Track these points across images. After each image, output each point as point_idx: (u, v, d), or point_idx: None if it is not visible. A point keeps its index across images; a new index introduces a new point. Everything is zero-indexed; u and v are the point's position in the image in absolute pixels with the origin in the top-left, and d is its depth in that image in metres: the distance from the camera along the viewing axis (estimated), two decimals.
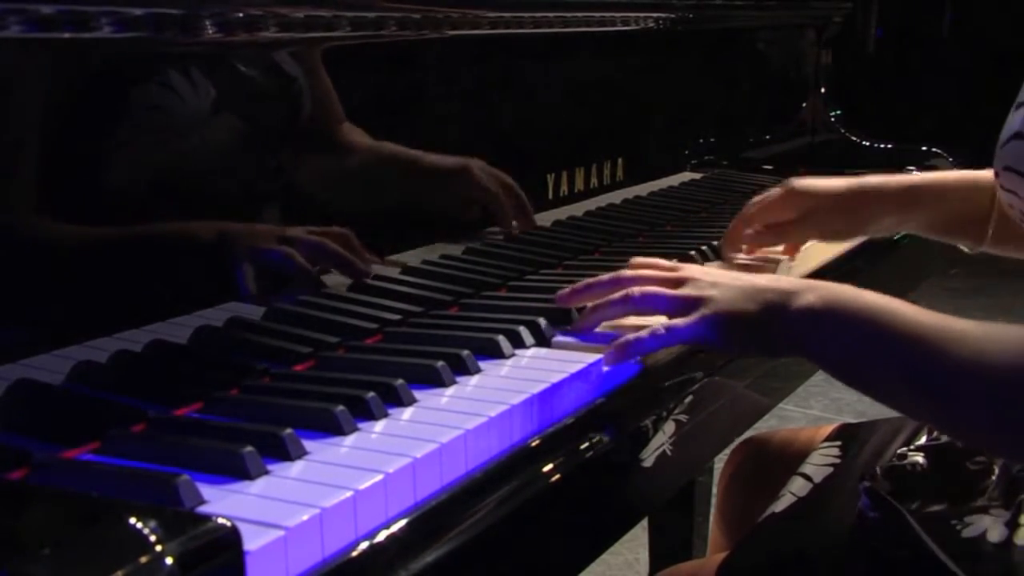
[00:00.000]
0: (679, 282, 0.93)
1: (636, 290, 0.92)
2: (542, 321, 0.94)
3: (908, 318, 0.82)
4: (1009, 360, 0.76)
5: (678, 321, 0.89)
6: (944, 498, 0.95)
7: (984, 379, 0.77)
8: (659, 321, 0.91)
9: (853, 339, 0.84)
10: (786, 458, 1.19)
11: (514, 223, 1.24)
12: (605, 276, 0.96)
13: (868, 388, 0.86)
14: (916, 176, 1.23)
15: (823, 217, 1.20)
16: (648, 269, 0.97)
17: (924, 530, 0.90)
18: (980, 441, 0.85)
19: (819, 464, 1.11)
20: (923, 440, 1.04)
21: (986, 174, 1.15)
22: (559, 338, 0.93)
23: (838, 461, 1.10)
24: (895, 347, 0.81)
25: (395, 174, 1.10)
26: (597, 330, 0.95)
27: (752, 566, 1.01)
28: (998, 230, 1.18)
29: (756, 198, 1.22)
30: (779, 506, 1.06)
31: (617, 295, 0.93)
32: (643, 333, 0.89)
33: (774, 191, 1.21)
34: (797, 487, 1.08)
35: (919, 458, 0.99)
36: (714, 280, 0.92)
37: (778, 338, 0.88)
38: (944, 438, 1.01)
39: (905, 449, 1.03)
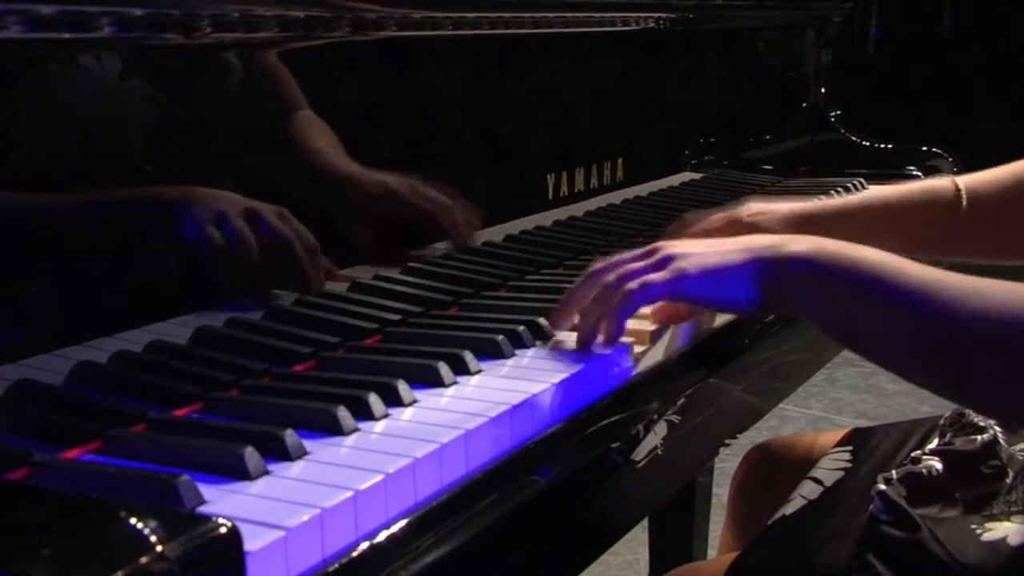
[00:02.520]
0: (653, 252, 0.90)
1: (611, 277, 0.89)
2: (542, 321, 0.94)
3: (914, 272, 0.80)
4: (1016, 315, 0.74)
5: (653, 276, 0.87)
6: (959, 504, 0.95)
7: (1004, 333, 0.74)
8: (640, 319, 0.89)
9: (852, 291, 0.82)
10: (797, 463, 1.19)
11: (463, 238, 1.18)
12: (578, 281, 0.93)
13: (862, 344, 0.84)
14: (871, 193, 1.15)
15: None
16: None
17: (942, 534, 0.89)
18: (990, 400, 0.81)
19: (830, 468, 1.10)
20: (935, 444, 1.04)
21: (943, 182, 1.14)
22: (559, 337, 0.93)
23: (849, 465, 1.10)
24: (901, 300, 0.79)
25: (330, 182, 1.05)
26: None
27: (763, 568, 1.00)
28: (960, 241, 1.14)
29: (697, 225, 1.13)
30: (789, 509, 1.06)
31: (595, 293, 0.90)
32: (618, 299, 0.87)
33: (715, 218, 1.13)
34: (808, 490, 1.07)
35: (935, 462, 0.98)
36: (688, 244, 0.90)
37: (764, 289, 0.86)
38: (957, 442, 1.01)
39: (919, 453, 1.02)
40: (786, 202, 1.15)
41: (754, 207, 1.14)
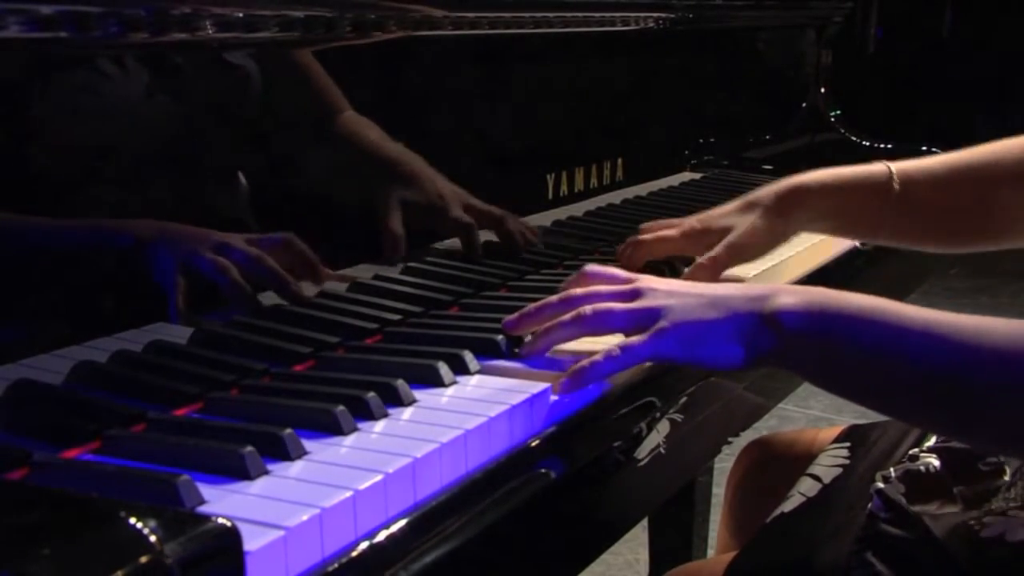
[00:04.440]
0: (634, 295, 0.86)
1: (588, 309, 0.85)
2: None
3: (915, 317, 0.77)
4: (1015, 356, 0.73)
5: (634, 340, 0.82)
6: (958, 501, 0.95)
7: (1014, 374, 0.73)
8: (615, 340, 0.85)
9: (851, 345, 0.78)
10: (794, 459, 1.19)
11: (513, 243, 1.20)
12: (554, 297, 0.89)
13: (865, 396, 0.82)
14: (807, 176, 1.14)
15: (743, 245, 1.10)
16: (600, 281, 0.90)
17: (939, 531, 0.89)
18: (1002, 440, 0.80)
19: (828, 465, 1.10)
20: (933, 441, 1.04)
21: (878, 166, 1.14)
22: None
23: (847, 462, 1.10)
24: (906, 349, 0.76)
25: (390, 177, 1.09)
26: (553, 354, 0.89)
27: (761, 566, 1.00)
28: (890, 225, 1.13)
29: (651, 236, 1.13)
30: (788, 506, 1.06)
31: (568, 316, 0.85)
32: (598, 356, 0.82)
33: (671, 231, 1.13)
34: (806, 487, 1.08)
35: (932, 460, 0.98)
36: (671, 290, 0.85)
37: (749, 348, 0.81)
38: (953, 440, 1.01)
39: (917, 450, 1.02)
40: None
41: (703, 214, 1.15)
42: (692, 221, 1.14)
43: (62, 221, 0.81)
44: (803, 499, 1.06)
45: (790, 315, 0.80)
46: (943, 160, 1.12)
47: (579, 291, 0.88)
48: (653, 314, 0.83)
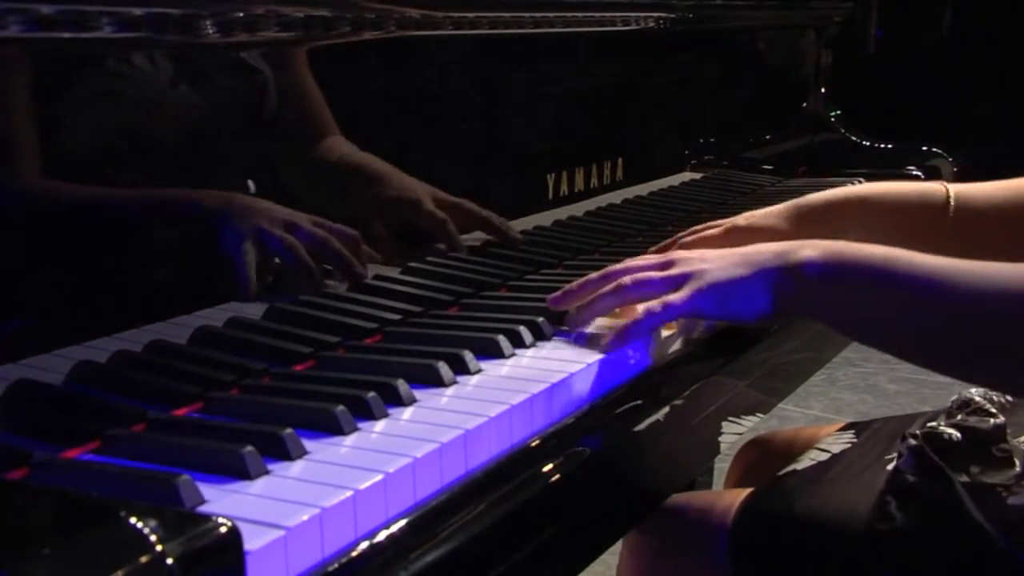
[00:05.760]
0: (669, 264, 0.93)
1: (627, 279, 0.92)
2: (542, 321, 0.94)
3: (924, 261, 0.83)
4: (1014, 294, 0.77)
5: (672, 296, 0.89)
6: (976, 474, 0.96)
7: (988, 314, 0.78)
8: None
9: (866, 288, 0.85)
10: (794, 455, 1.20)
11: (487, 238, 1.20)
12: (595, 274, 0.95)
13: (880, 337, 0.87)
14: (867, 188, 1.17)
15: None
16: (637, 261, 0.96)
17: (966, 491, 0.91)
18: (987, 378, 0.87)
19: (834, 443, 1.12)
20: (944, 422, 1.04)
21: (936, 186, 1.14)
22: (559, 338, 0.94)
23: (855, 440, 1.11)
24: (915, 288, 0.82)
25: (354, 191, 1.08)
26: (593, 330, 0.95)
27: (776, 508, 1.01)
28: (941, 248, 1.15)
29: (692, 237, 1.14)
30: (799, 466, 1.07)
31: (609, 287, 0.92)
32: (639, 315, 0.89)
33: (713, 230, 1.14)
34: (815, 455, 1.09)
35: (953, 431, 0.99)
36: (703, 255, 0.93)
37: (776, 298, 0.88)
38: (971, 419, 1.02)
39: (935, 424, 1.03)
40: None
41: (749, 212, 1.16)
42: (737, 220, 1.15)
43: (63, 209, 0.81)
44: (814, 462, 1.07)
45: (811, 265, 0.87)
46: (1002, 187, 1.12)
47: (618, 266, 0.95)
48: (688, 277, 0.90)
